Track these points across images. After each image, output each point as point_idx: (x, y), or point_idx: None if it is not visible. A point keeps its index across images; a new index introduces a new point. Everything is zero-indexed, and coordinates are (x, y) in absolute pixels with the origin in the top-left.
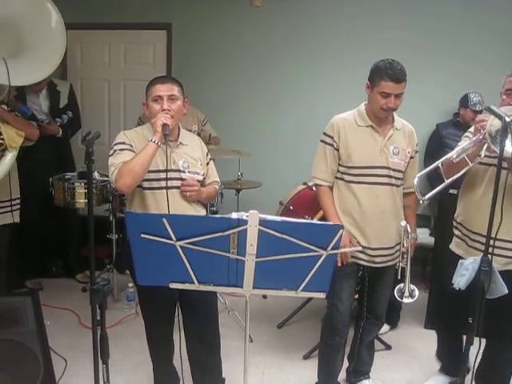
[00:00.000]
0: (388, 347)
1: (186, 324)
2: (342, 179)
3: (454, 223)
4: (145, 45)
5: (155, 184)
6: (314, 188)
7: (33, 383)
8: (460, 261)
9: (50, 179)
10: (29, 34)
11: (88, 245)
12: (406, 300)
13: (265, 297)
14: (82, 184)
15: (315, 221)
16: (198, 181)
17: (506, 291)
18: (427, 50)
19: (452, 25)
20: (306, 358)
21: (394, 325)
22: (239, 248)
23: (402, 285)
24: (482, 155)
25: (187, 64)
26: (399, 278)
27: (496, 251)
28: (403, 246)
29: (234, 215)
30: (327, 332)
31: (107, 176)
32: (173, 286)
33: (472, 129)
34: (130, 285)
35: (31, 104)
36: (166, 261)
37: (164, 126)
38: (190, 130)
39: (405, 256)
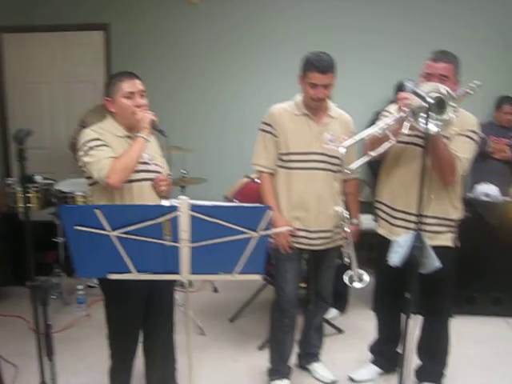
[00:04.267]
0: (340, 331)
1: (148, 318)
2: (282, 167)
3: (377, 204)
4: (83, 46)
5: None
6: (256, 180)
7: None
8: (394, 239)
9: None
10: None
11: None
12: (355, 285)
13: (216, 291)
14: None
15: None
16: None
17: (439, 265)
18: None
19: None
20: (260, 348)
21: (342, 309)
22: (173, 235)
23: (350, 270)
24: (406, 132)
25: (127, 63)
26: (347, 264)
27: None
28: (343, 231)
29: (165, 202)
30: (276, 315)
31: (51, 179)
32: (112, 276)
33: (390, 107)
34: (80, 287)
35: None
36: (102, 252)
37: (152, 121)
38: None
39: (346, 241)
